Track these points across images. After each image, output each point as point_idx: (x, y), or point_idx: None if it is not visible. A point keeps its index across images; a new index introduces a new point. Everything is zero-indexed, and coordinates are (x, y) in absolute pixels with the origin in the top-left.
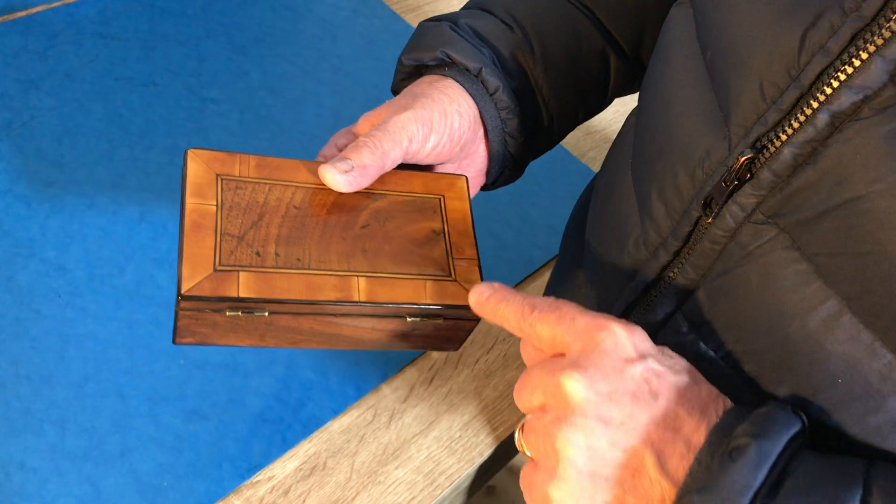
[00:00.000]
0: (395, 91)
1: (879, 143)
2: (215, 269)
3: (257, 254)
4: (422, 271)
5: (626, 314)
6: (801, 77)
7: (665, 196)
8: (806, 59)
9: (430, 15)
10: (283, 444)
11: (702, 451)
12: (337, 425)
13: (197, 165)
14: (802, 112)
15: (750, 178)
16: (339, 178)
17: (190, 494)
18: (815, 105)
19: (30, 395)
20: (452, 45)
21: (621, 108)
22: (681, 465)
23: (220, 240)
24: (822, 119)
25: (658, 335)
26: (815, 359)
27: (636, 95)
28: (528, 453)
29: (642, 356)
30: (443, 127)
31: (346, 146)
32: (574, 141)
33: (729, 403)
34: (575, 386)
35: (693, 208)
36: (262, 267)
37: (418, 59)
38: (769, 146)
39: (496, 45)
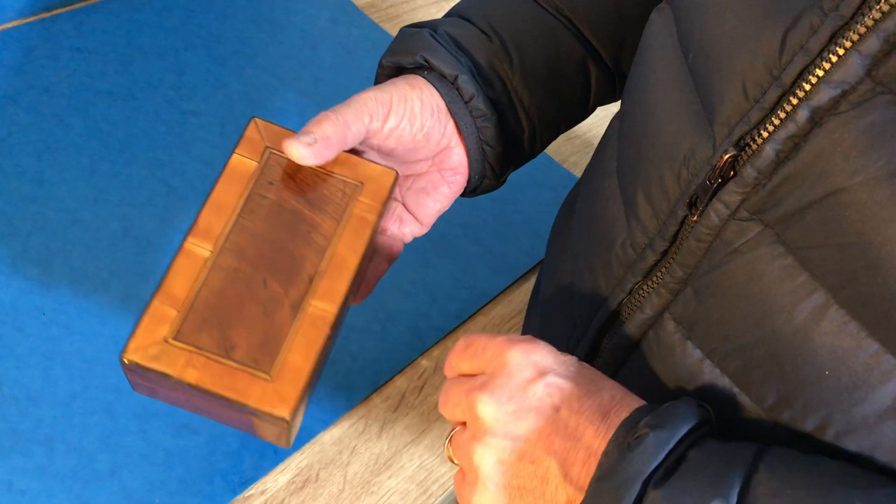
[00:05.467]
0: None
1: (858, 136)
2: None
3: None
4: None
5: (615, 315)
6: (782, 76)
7: (651, 197)
8: (787, 58)
9: (409, 23)
10: (275, 456)
11: (609, 445)
12: (328, 437)
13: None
14: (783, 109)
15: (733, 176)
16: (303, 151)
17: None
18: (795, 101)
19: (16, 415)
20: (431, 50)
21: (601, 113)
22: (583, 470)
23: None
24: (803, 115)
25: (646, 335)
26: (803, 352)
27: (618, 101)
28: (454, 460)
29: (542, 373)
30: (402, 109)
31: None
32: (555, 146)
33: (636, 402)
34: (485, 408)
35: (679, 208)
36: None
37: (397, 62)
38: (751, 144)
39: (473, 54)
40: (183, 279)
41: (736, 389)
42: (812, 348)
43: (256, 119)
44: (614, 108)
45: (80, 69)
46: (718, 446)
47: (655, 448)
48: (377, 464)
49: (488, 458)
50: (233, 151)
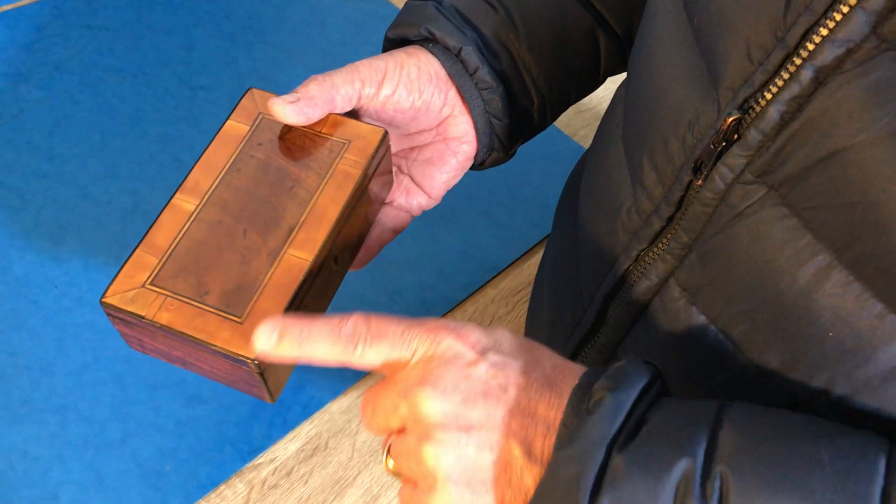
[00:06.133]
0: None
1: (862, 94)
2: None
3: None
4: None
5: (621, 283)
6: (786, 38)
7: (656, 163)
8: (792, 19)
9: None
10: (284, 425)
11: (566, 414)
12: (337, 406)
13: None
14: (787, 70)
15: (737, 140)
16: (286, 108)
17: (192, 478)
18: (799, 62)
19: (29, 385)
20: (435, 22)
21: (612, 86)
22: (545, 445)
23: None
24: (807, 75)
25: (651, 302)
26: (807, 313)
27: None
28: (400, 474)
29: (482, 353)
30: (397, 76)
31: None
32: (565, 119)
33: (578, 368)
34: (431, 404)
35: (684, 173)
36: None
37: (402, 35)
38: (755, 106)
39: (479, 26)
40: (166, 230)
41: (740, 354)
42: (816, 310)
43: (253, 89)
44: (624, 77)
45: (91, 46)
46: (679, 405)
47: (615, 410)
48: None
49: (446, 456)
50: (227, 118)
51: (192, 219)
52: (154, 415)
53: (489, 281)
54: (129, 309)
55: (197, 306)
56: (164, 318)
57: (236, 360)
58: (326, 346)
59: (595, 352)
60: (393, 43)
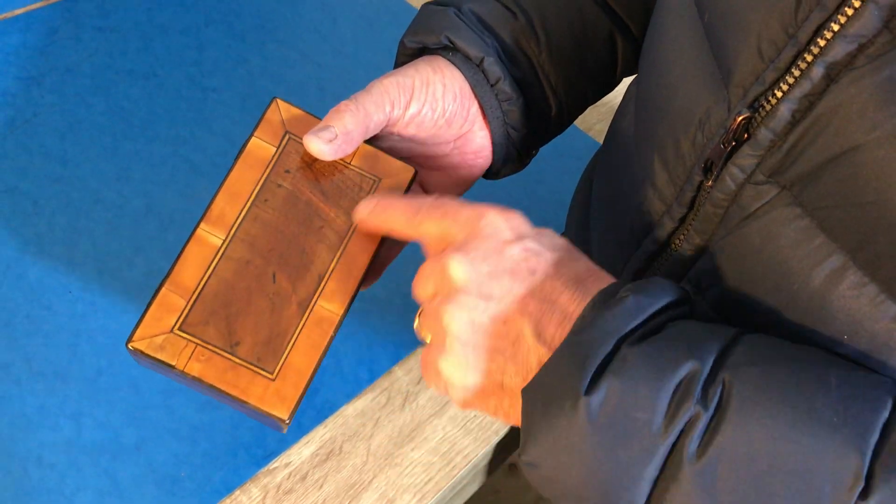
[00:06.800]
0: None
1: (875, 91)
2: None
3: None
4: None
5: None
6: (798, 34)
7: (667, 163)
8: (803, 15)
9: None
10: (299, 430)
11: (586, 309)
12: (351, 409)
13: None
14: (798, 67)
15: (748, 139)
16: (324, 147)
17: (207, 484)
18: (810, 58)
19: (44, 391)
20: (456, 31)
21: (628, 80)
22: (557, 332)
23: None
24: (818, 72)
25: None
26: (821, 316)
27: None
28: (421, 333)
29: (520, 237)
30: (424, 94)
31: None
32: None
33: (612, 278)
34: (458, 267)
35: (695, 173)
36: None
37: (421, 42)
38: (765, 104)
39: (499, 33)
40: (193, 267)
41: None
42: (830, 312)
43: (278, 100)
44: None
45: (102, 48)
46: (698, 324)
47: (635, 310)
48: (400, 436)
49: (459, 317)
50: (252, 134)
51: (219, 255)
52: (169, 420)
53: None
54: (159, 357)
55: (228, 358)
56: (195, 369)
57: (267, 417)
58: (399, 213)
59: None
60: (409, 50)
